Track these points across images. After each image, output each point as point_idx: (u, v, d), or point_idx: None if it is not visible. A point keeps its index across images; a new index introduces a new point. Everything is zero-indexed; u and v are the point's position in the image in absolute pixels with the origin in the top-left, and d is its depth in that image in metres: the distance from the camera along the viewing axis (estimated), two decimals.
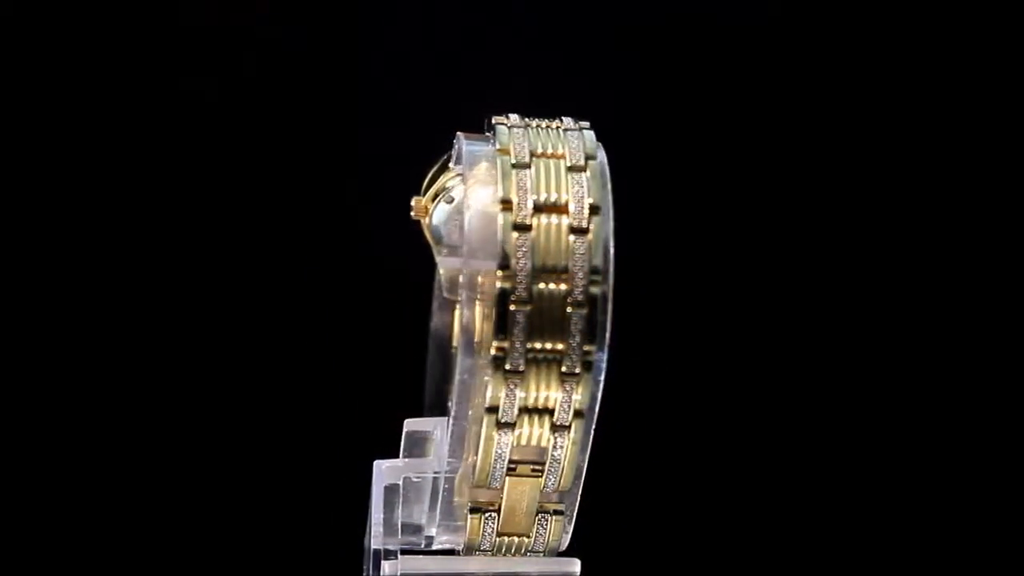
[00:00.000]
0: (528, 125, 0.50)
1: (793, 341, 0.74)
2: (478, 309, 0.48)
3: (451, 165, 0.54)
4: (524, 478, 0.50)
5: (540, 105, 0.52)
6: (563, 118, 0.51)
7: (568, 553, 0.52)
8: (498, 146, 0.49)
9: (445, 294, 0.61)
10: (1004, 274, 0.75)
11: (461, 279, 0.49)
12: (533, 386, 0.48)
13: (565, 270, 0.48)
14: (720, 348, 0.73)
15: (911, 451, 0.74)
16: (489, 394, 0.48)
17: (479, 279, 0.49)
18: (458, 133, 0.52)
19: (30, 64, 0.73)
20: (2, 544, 0.71)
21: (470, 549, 0.52)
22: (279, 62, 0.69)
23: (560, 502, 0.51)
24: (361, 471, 0.66)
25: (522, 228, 0.48)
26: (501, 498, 0.51)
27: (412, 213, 0.57)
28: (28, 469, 0.72)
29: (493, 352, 0.48)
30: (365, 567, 0.54)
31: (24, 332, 0.72)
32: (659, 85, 0.73)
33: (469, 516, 0.51)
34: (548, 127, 0.50)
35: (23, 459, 0.72)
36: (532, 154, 0.49)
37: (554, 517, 0.51)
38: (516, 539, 0.52)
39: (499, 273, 0.47)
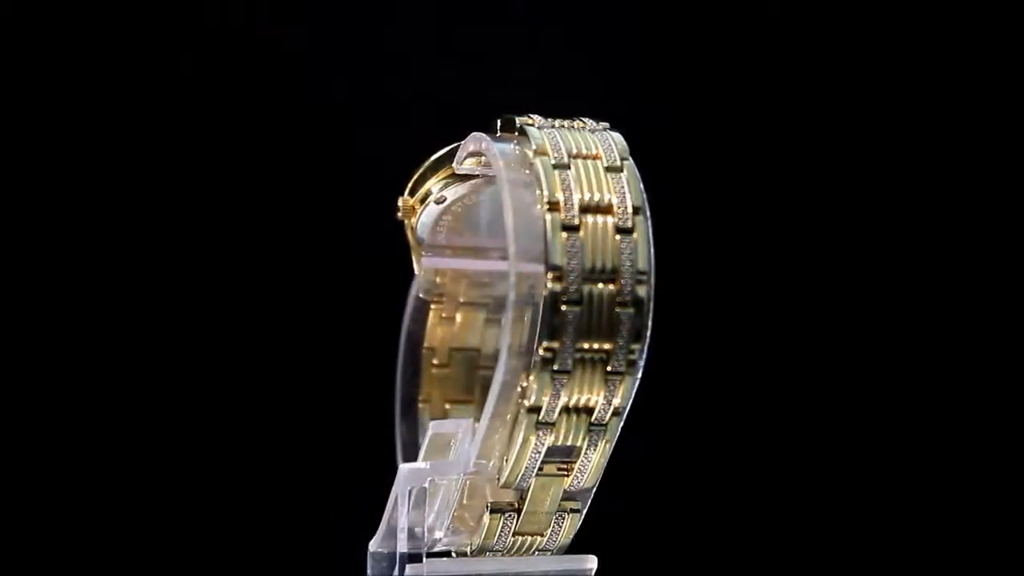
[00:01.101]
0: (553, 126, 0.50)
1: (791, 341, 0.75)
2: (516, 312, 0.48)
3: (455, 165, 0.54)
4: (551, 477, 0.50)
5: (539, 105, 0.52)
6: (584, 119, 0.51)
7: (571, 549, 0.53)
8: (534, 147, 0.49)
9: (421, 295, 0.61)
10: None
11: (511, 281, 0.48)
12: (577, 386, 0.48)
13: (614, 270, 0.48)
14: (719, 347, 0.74)
15: (930, 452, 0.75)
16: (534, 395, 0.48)
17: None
18: (475, 133, 0.52)
19: (29, 64, 0.71)
20: (2, 544, 0.69)
21: (483, 550, 0.52)
22: (279, 62, 0.68)
23: (577, 500, 0.51)
24: (340, 471, 0.66)
25: (571, 229, 0.48)
26: (525, 498, 0.51)
27: (399, 214, 0.57)
28: (30, 472, 0.70)
29: (542, 353, 0.48)
30: (370, 570, 0.53)
31: (23, 333, 0.71)
32: (657, 84, 0.73)
33: (488, 516, 0.51)
34: (571, 127, 0.51)
35: (26, 460, 0.70)
36: (568, 154, 0.49)
37: (571, 515, 0.51)
38: (530, 538, 0.52)
39: (549, 275, 0.47)
